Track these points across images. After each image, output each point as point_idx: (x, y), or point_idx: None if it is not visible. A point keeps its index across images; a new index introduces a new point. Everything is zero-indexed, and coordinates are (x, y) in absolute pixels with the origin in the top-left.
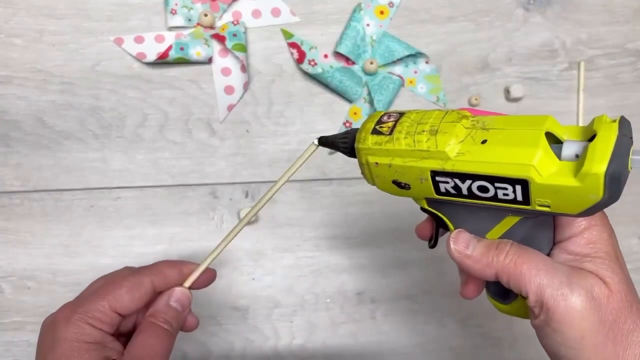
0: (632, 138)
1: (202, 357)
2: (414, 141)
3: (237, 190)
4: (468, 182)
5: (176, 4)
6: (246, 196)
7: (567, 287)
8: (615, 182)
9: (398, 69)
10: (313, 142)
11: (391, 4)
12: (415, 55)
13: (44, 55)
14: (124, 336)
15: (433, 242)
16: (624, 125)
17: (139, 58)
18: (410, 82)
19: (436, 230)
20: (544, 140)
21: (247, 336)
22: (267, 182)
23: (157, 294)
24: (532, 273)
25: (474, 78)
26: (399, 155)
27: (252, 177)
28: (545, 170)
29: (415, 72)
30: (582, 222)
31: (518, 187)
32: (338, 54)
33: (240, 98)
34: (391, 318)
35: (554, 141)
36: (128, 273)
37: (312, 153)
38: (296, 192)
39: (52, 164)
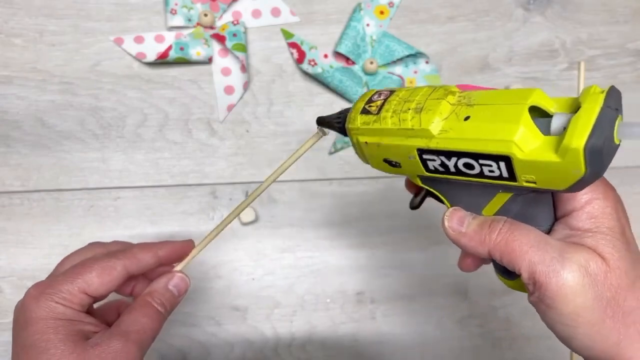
0: (618, 109)
1: (202, 357)
2: (399, 120)
3: (237, 190)
4: (453, 159)
5: (176, 4)
6: (246, 196)
7: (558, 263)
8: (596, 156)
9: (398, 69)
10: (317, 132)
11: (391, 4)
12: (415, 55)
13: (44, 55)
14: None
15: (417, 205)
16: (611, 96)
17: (139, 58)
18: (410, 82)
19: (424, 195)
20: (526, 115)
21: (247, 336)
22: None
23: (130, 277)
24: (523, 250)
25: (474, 78)
26: (386, 135)
27: (252, 177)
28: (527, 146)
29: (415, 72)
30: (583, 196)
31: (502, 164)
32: (338, 54)
33: (240, 98)
34: (391, 318)
35: (544, 115)
36: (100, 254)
37: (319, 139)
38: (296, 192)
39: (52, 164)
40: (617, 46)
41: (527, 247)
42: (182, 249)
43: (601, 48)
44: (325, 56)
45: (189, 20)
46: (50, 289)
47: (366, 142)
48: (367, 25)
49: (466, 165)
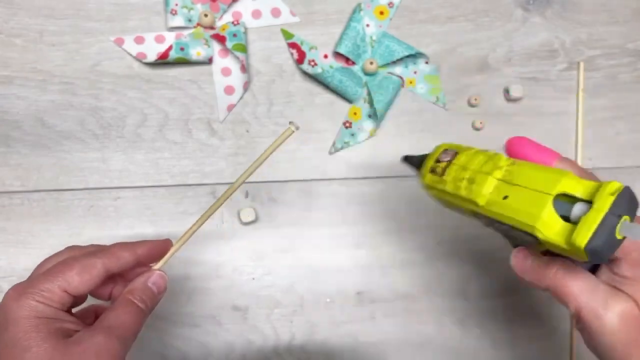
0: (621, 215)
1: (202, 357)
2: (456, 187)
3: (237, 190)
4: (498, 223)
5: (176, 4)
6: (246, 196)
7: (602, 309)
8: (596, 254)
9: (398, 69)
10: (289, 126)
11: (391, 4)
12: (415, 56)
13: (44, 56)
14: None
15: (413, 165)
16: (620, 199)
17: (139, 58)
18: (410, 82)
19: (421, 161)
20: (549, 206)
21: (247, 336)
22: (267, 182)
23: (110, 276)
24: (572, 294)
25: (474, 78)
26: (449, 195)
27: (252, 177)
28: (547, 230)
29: (415, 72)
30: (625, 246)
31: (531, 237)
32: (338, 54)
33: (240, 98)
34: (391, 318)
35: (572, 197)
36: (79, 253)
37: (289, 136)
38: (296, 192)
39: (52, 164)
40: (617, 46)
41: (576, 291)
42: (160, 247)
43: (601, 48)
44: (325, 56)
45: (189, 20)
46: (31, 288)
47: (434, 195)
48: (367, 25)
49: (507, 227)
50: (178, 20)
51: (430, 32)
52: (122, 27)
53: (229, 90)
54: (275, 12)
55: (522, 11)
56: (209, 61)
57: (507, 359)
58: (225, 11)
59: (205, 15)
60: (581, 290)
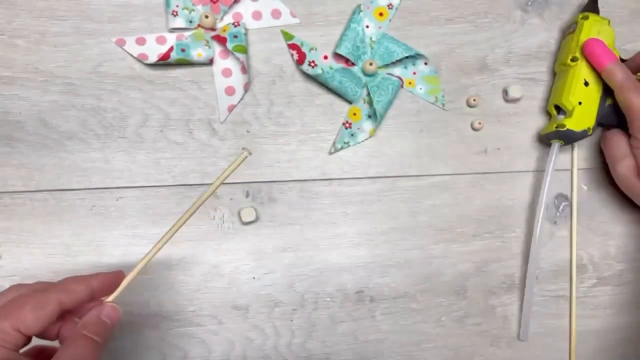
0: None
1: (203, 356)
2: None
3: (237, 190)
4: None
5: (177, 6)
6: (246, 196)
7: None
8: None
9: (397, 70)
10: (242, 152)
11: (390, 6)
12: (414, 57)
13: (46, 56)
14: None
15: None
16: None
17: (141, 59)
18: (410, 83)
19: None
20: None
21: (247, 335)
22: (267, 182)
23: (65, 312)
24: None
25: (473, 79)
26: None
27: (252, 177)
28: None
29: (414, 73)
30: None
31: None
32: (338, 55)
33: (241, 99)
34: (390, 317)
35: None
36: (28, 291)
37: (242, 161)
38: (296, 192)
39: (54, 164)
40: (616, 47)
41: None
42: (113, 280)
43: None
44: (325, 57)
45: (190, 21)
46: None
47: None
48: (367, 26)
49: None
50: (179, 22)
51: (429, 33)
52: (124, 28)
53: (229, 91)
54: (276, 14)
55: (521, 12)
56: (210, 62)
57: (507, 358)
58: (226, 12)
59: (206, 17)
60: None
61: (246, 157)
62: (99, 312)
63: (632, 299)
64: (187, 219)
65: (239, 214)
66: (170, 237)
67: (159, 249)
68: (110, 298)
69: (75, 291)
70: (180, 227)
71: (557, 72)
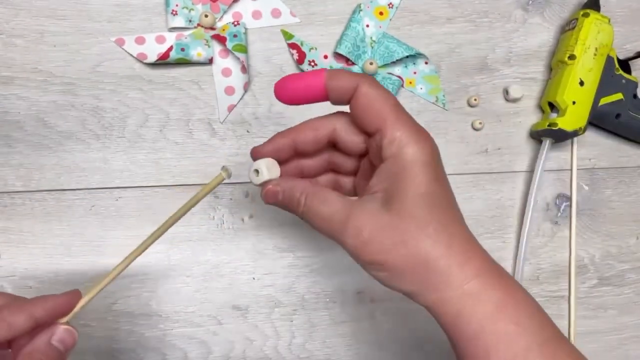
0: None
1: (203, 357)
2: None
3: (237, 190)
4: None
5: (177, 5)
6: (246, 196)
7: None
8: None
9: (397, 70)
10: (220, 173)
11: (391, 5)
12: (415, 56)
13: (45, 56)
14: None
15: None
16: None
17: (140, 59)
18: (410, 82)
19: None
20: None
21: (247, 335)
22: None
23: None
24: None
25: (473, 79)
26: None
27: None
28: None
29: (415, 72)
30: None
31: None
32: (338, 55)
33: (241, 98)
34: (391, 317)
35: None
36: None
37: (218, 184)
38: None
39: (53, 164)
40: (616, 46)
41: None
42: (65, 304)
43: None
44: (325, 57)
45: (190, 21)
46: None
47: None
48: (367, 26)
49: None
50: (178, 21)
51: (430, 32)
52: (123, 27)
53: (229, 90)
54: (276, 13)
55: (522, 12)
56: (210, 62)
57: None
58: (225, 12)
59: (206, 16)
60: None
61: (223, 179)
62: (49, 336)
63: (633, 299)
64: (150, 244)
65: (253, 171)
66: (129, 263)
67: (115, 275)
68: (65, 319)
69: (13, 324)
70: (141, 252)
71: (554, 69)
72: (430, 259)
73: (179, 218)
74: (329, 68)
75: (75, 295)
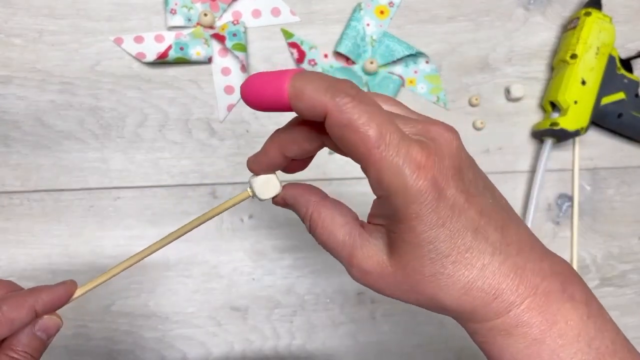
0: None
1: (202, 358)
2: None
3: (237, 190)
4: None
5: (176, 4)
6: None
7: None
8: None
9: (398, 69)
10: (247, 191)
11: (391, 4)
12: (416, 55)
13: (43, 55)
14: None
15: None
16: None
17: (139, 58)
18: (411, 82)
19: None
20: None
21: (246, 336)
22: None
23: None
24: None
25: (474, 78)
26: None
27: None
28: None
29: (416, 72)
30: None
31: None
32: (338, 54)
33: (240, 98)
34: (391, 318)
35: None
36: None
37: (243, 199)
38: None
39: (51, 164)
40: (618, 46)
41: None
42: (63, 295)
43: None
44: (325, 56)
45: (189, 20)
46: None
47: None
48: (367, 25)
49: None
50: (178, 20)
51: (430, 31)
52: (122, 26)
53: (228, 90)
54: (275, 12)
55: (523, 11)
56: (209, 61)
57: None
58: (225, 10)
59: (205, 15)
60: None
61: (248, 196)
62: (31, 326)
63: (635, 300)
64: (156, 249)
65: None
66: (132, 264)
67: (115, 274)
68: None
69: (16, 320)
70: (148, 255)
71: (555, 68)
72: (446, 308)
73: (196, 226)
74: (331, 68)
75: (71, 287)
